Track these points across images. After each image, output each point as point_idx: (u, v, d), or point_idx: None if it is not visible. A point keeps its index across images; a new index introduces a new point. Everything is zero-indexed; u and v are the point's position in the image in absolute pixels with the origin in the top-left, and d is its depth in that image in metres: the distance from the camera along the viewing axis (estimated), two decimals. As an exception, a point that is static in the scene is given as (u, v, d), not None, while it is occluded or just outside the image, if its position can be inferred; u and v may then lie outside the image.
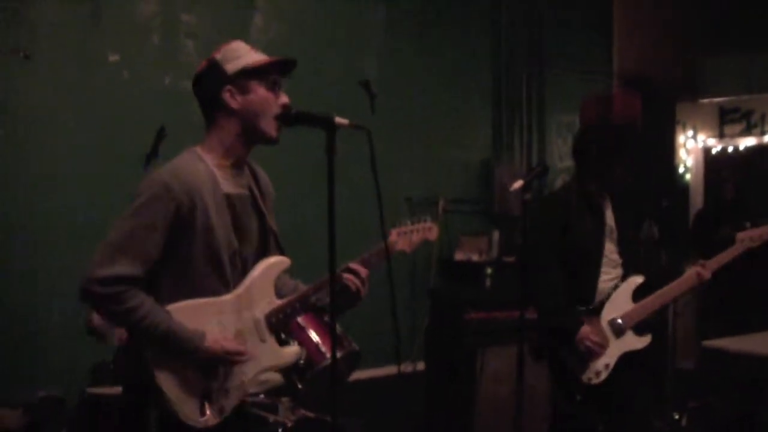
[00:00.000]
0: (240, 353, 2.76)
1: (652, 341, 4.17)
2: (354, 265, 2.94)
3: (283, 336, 3.50)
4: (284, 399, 4.07)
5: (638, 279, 4.16)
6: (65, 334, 5.28)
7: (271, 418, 3.97)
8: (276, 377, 4.04)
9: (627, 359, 4.13)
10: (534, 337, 4.22)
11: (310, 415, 4.09)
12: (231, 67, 2.80)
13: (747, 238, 4.13)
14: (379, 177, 2.68)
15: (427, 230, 3.14)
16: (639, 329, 4.16)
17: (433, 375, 6.11)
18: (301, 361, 3.91)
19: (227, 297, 2.79)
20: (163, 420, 2.71)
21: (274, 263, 2.92)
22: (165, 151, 4.96)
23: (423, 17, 7.50)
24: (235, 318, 2.81)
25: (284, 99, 2.85)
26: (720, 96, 9.00)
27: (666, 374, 6.48)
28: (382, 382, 6.12)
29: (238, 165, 2.87)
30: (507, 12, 8.18)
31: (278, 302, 2.91)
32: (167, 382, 2.68)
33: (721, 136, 9.23)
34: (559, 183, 8.38)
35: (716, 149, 9.28)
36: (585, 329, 4.03)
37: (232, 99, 2.78)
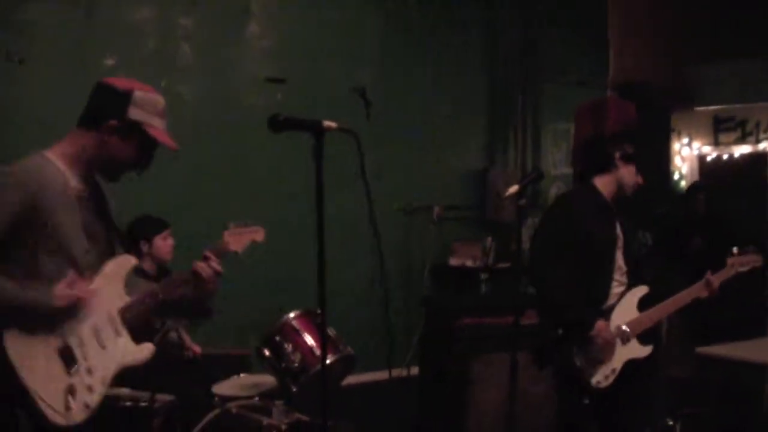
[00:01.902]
0: (88, 290, 2.81)
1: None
2: (207, 252, 3.06)
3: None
4: (278, 402, 4.07)
5: (643, 289, 4.20)
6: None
7: (265, 420, 3.97)
8: (270, 380, 4.06)
9: (630, 367, 4.15)
10: (535, 344, 4.23)
11: (304, 418, 4.09)
12: (135, 113, 2.87)
13: (737, 263, 4.27)
14: (372, 182, 2.71)
15: (254, 232, 3.21)
16: (642, 338, 4.19)
17: (427, 380, 6.10)
18: (296, 364, 3.91)
19: None
20: (31, 421, 2.73)
21: (122, 261, 3.01)
22: (159, 155, 4.95)
23: (418, 25, 7.52)
24: (89, 313, 2.86)
25: (150, 161, 2.99)
26: (715, 104, 9.02)
27: (659, 381, 6.48)
28: (376, 387, 6.12)
29: (84, 173, 2.94)
30: (502, 20, 8.20)
31: (129, 298, 2.97)
32: (31, 378, 2.71)
33: (716, 144, 9.25)
34: (553, 190, 8.38)
35: (711, 157, 9.30)
36: (601, 324, 4.04)
37: (110, 133, 2.86)
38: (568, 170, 8.40)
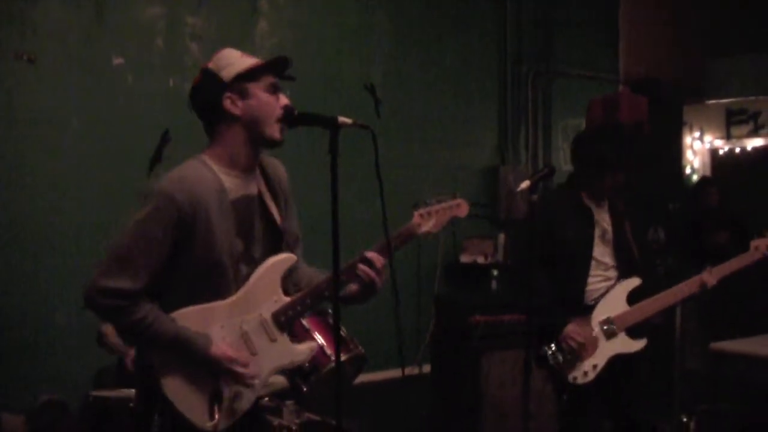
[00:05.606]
0: (237, 361, 2.72)
1: (651, 345, 4.13)
2: (370, 254, 2.86)
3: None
4: (289, 402, 4.05)
5: (634, 281, 4.12)
6: (67, 338, 5.28)
7: (276, 421, 3.95)
8: (280, 380, 4.03)
9: (622, 361, 4.09)
10: (536, 343, 4.19)
11: (315, 418, 4.07)
12: (226, 74, 2.74)
13: (764, 245, 4.03)
14: (384, 178, 2.68)
15: (456, 207, 3.03)
16: (634, 332, 4.11)
17: (439, 378, 6.07)
18: (306, 364, 3.88)
19: (228, 300, 2.76)
20: (166, 424, 2.69)
21: (277, 261, 2.87)
22: (169, 154, 4.94)
23: (428, 21, 7.49)
24: (239, 320, 2.78)
25: (284, 100, 2.80)
26: (727, 97, 8.97)
27: (673, 376, 6.44)
28: (388, 385, 6.09)
29: (247, 169, 2.82)
30: (513, 15, 8.16)
31: (286, 300, 2.86)
32: (174, 389, 2.67)
33: (728, 137, 9.20)
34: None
35: (723, 150, 9.25)
36: (570, 327, 4.01)
37: (234, 105, 2.74)
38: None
